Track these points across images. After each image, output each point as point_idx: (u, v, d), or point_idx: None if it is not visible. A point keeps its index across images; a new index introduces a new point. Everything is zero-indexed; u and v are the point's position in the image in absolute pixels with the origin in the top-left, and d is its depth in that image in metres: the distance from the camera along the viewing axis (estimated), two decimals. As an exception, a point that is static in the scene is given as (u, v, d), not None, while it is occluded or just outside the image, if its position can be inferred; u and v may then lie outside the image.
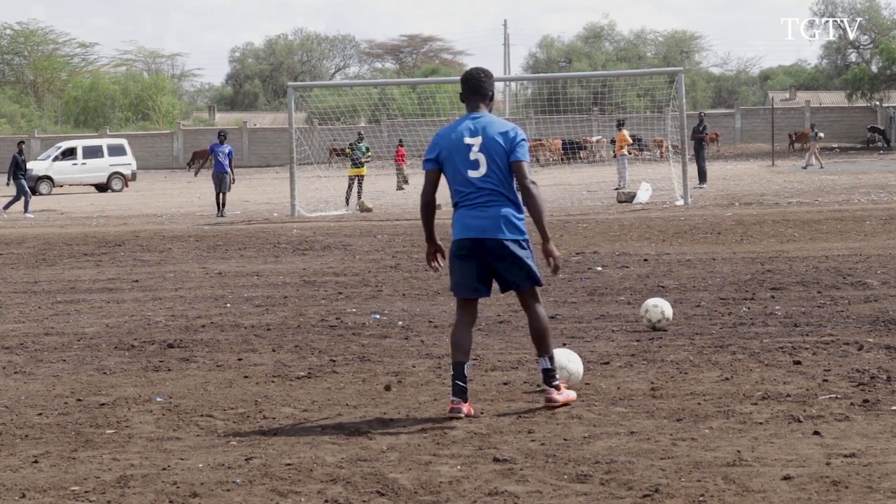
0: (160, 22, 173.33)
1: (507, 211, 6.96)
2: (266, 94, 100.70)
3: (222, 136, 30.23)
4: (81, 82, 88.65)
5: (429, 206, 7.16)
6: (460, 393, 6.98)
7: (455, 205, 7.07)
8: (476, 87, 7.14)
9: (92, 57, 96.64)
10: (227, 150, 29.42)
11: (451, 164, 7.01)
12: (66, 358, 9.52)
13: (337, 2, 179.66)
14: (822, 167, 45.71)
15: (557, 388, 7.12)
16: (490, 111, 7.15)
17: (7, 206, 32.09)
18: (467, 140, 6.97)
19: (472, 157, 6.94)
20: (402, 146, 42.48)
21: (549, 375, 7.14)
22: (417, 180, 41.51)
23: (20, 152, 33.03)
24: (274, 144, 69.82)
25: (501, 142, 6.95)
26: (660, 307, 10.06)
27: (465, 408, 6.97)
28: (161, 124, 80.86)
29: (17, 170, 32.38)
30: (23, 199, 32.05)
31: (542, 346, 7.15)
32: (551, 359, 7.14)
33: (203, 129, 74.44)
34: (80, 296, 13.66)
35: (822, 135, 47.48)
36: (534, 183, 6.95)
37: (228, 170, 29.12)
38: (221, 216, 28.21)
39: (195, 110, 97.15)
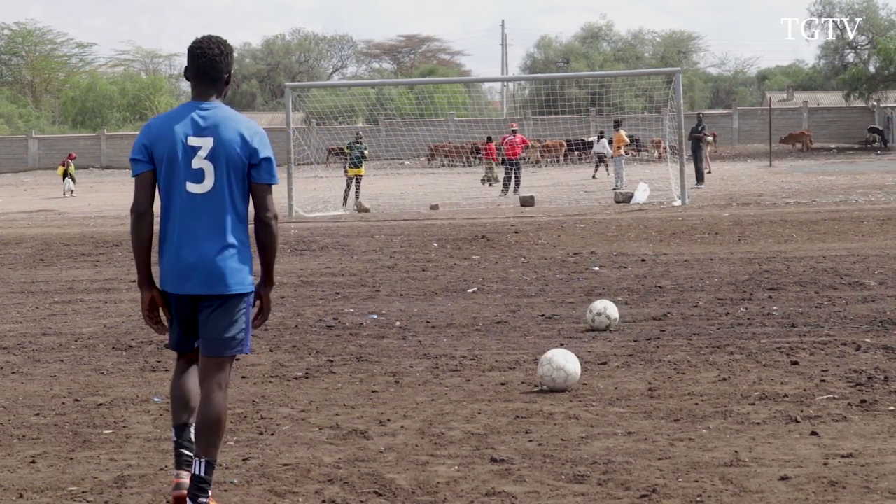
0: (157, 22, 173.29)
1: (236, 247, 5.12)
2: (264, 94, 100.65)
3: None
4: (79, 82, 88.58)
5: (142, 222, 5.22)
6: (187, 465, 5.16)
7: (163, 230, 5.26)
8: (205, 67, 5.15)
9: (89, 57, 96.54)
10: None
11: (165, 170, 5.10)
12: (64, 358, 9.52)
13: (334, 2, 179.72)
14: (709, 171, 45.09)
15: None
16: (224, 99, 5.27)
17: None
18: (192, 140, 5.07)
19: (196, 164, 5.04)
20: (490, 142, 42.57)
21: (199, 487, 5.07)
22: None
23: None
24: (272, 144, 69.79)
25: (239, 149, 5.09)
26: (604, 315, 10.11)
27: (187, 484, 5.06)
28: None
29: None
30: None
31: (206, 442, 5.09)
32: (209, 465, 5.10)
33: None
34: (77, 296, 13.65)
35: (710, 137, 46.85)
36: (276, 218, 5.14)
37: None
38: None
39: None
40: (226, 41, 5.21)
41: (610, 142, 39.84)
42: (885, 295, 11.75)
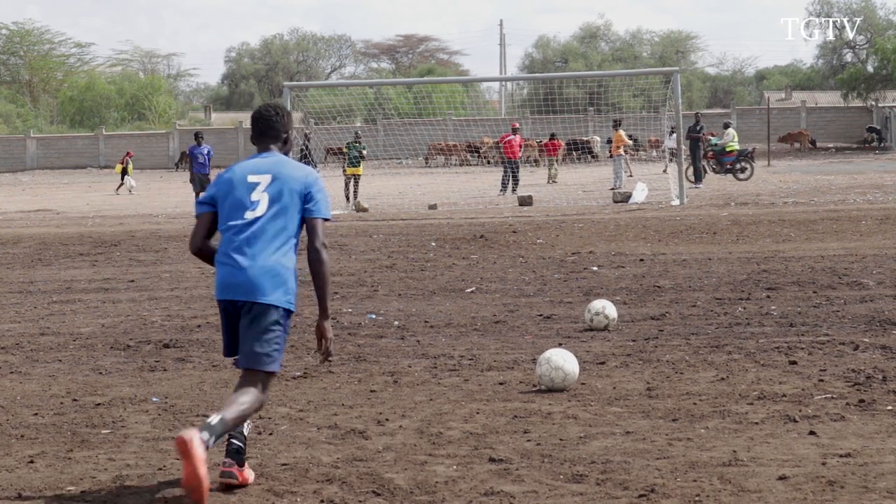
0: (154, 22, 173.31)
1: (279, 266, 5.66)
2: (262, 93, 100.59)
3: (199, 137, 29.89)
4: (77, 82, 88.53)
5: (201, 255, 5.89)
6: (235, 454, 5.61)
7: (219, 249, 5.79)
8: (265, 128, 5.96)
9: (88, 57, 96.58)
10: (205, 151, 29.17)
11: (225, 204, 5.75)
12: (62, 358, 9.52)
13: (331, 2, 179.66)
14: (630, 175, 44.06)
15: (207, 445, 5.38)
16: (287, 156, 6.00)
17: None
18: (252, 178, 5.77)
19: (254, 196, 5.71)
20: (554, 139, 42.55)
21: (207, 427, 5.43)
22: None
23: (308, 141, 33.23)
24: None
25: (295, 186, 5.73)
26: (602, 314, 10.11)
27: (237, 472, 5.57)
28: (157, 124, 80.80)
29: (303, 159, 32.53)
30: None
31: (227, 407, 5.57)
32: (222, 422, 5.46)
33: (199, 130, 74.36)
34: (75, 296, 13.65)
35: (630, 142, 46.19)
36: (325, 246, 5.71)
37: (209, 171, 29.02)
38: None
39: (191, 110, 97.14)
40: (283, 106, 6.06)
41: (609, 141, 39.82)
42: (883, 294, 11.76)
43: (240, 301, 5.64)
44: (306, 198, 5.72)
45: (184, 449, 5.24)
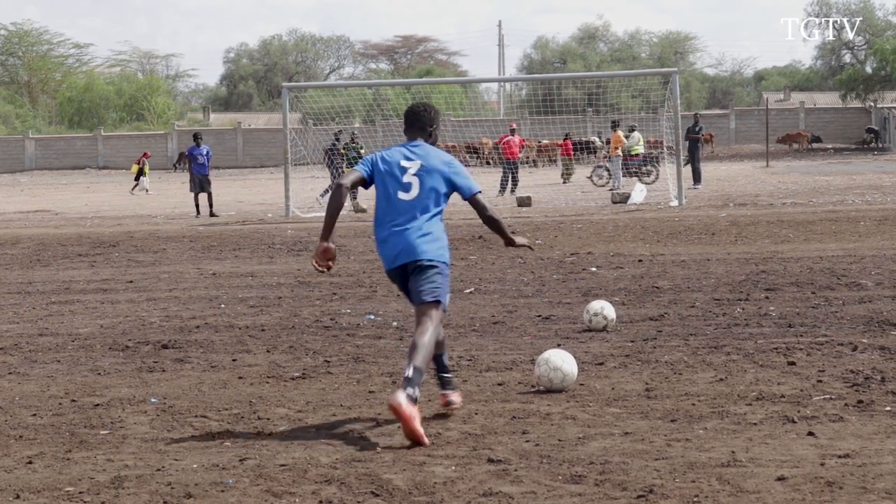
0: (153, 23, 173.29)
1: (433, 235, 6.87)
2: (260, 94, 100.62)
3: (198, 138, 29.88)
4: (76, 83, 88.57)
5: (339, 191, 6.93)
6: (448, 385, 7.30)
7: (380, 228, 6.98)
8: (413, 120, 7.10)
9: (86, 57, 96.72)
10: (205, 151, 29.18)
11: (382, 183, 6.92)
12: (61, 359, 9.51)
13: (330, 2, 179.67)
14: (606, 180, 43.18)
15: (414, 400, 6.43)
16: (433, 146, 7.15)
17: (323, 194, 32.03)
18: (403, 163, 6.91)
19: (406, 179, 6.87)
20: (568, 139, 42.50)
21: (407, 383, 6.46)
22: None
23: (337, 140, 33.51)
24: (268, 145, 69.87)
25: (441, 168, 6.92)
26: (601, 315, 10.11)
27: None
28: (156, 125, 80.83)
29: (333, 157, 32.72)
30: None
31: (415, 355, 6.60)
32: (416, 370, 6.50)
33: (197, 130, 74.35)
34: (74, 296, 13.64)
35: (601, 142, 46.05)
36: (487, 209, 7.14)
37: (208, 171, 29.02)
38: (214, 216, 28.19)
39: (190, 111, 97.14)
40: (431, 105, 7.15)
41: (607, 142, 39.83)
42: (881, 295, 11.76)
43: (409, 263, 6.79)
44: (453, 184, 6.92)
45: (397, 413, 6.29)
